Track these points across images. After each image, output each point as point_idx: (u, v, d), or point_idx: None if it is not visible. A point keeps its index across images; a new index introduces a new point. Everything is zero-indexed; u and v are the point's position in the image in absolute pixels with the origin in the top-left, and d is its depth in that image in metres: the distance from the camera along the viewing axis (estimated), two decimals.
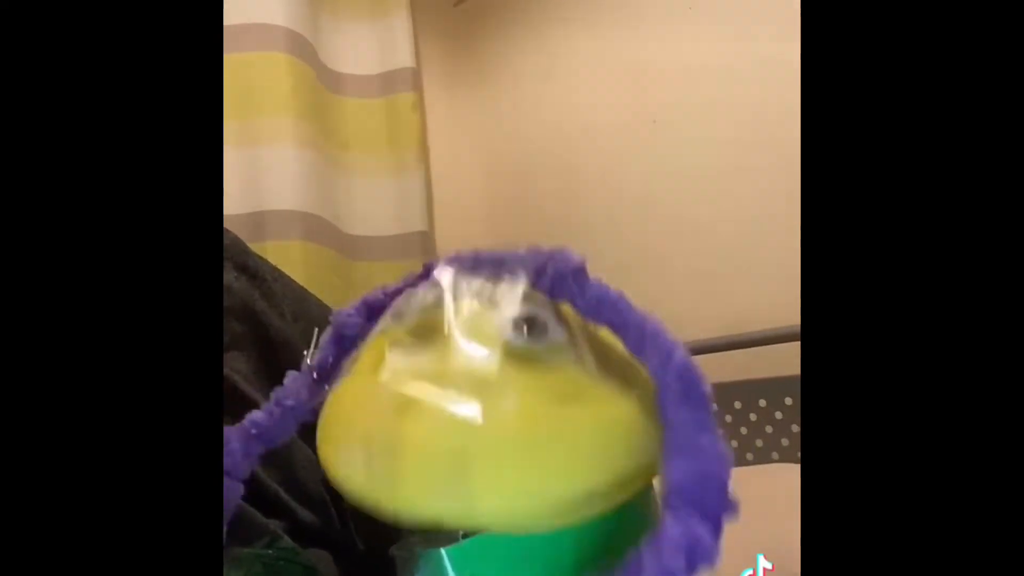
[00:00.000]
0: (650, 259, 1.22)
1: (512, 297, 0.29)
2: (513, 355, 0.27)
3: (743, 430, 1.06)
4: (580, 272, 0.28)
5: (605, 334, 0.29)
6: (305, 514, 0.42)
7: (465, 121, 1.56)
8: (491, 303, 0.29)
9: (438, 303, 0.30)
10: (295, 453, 0.43)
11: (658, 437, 0.25)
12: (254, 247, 0.54)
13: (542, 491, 0.25)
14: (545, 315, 0.29)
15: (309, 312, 0.53)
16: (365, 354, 0.31)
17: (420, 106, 1.42)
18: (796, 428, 1.01)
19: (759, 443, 1.05)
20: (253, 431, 0.31)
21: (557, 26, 1.39)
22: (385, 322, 0.31)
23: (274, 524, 0.39)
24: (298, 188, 1.18)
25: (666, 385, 0.25)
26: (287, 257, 1.12)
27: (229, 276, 0.48)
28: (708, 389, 0.24)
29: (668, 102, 1.22)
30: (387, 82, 1.38)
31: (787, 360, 0.98)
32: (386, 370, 0.28)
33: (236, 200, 1.14)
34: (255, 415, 0.32)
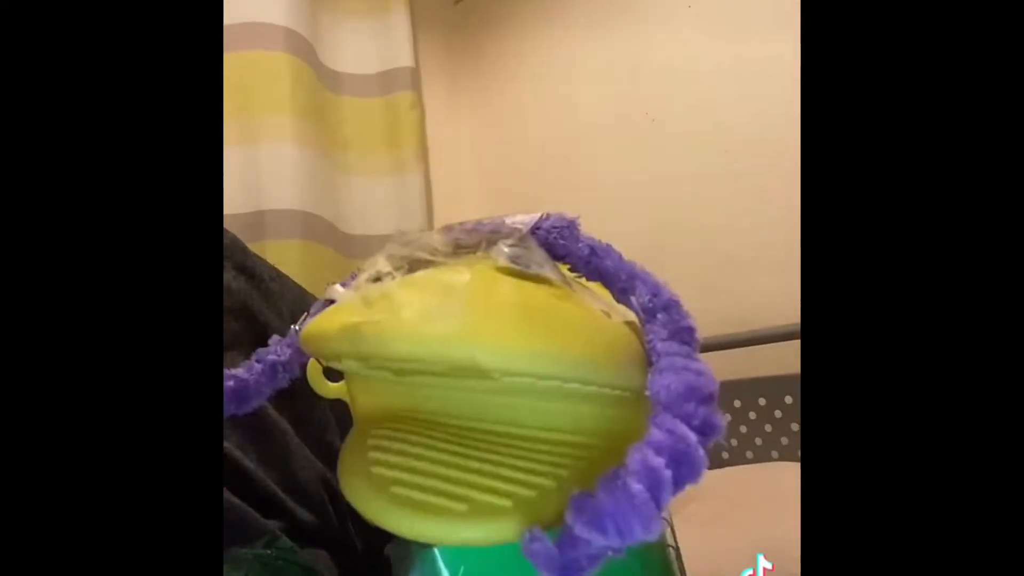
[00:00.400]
0: (649, 258, 1.21)
1: (508, 241, 0.30)
2: (507, 272, 0.28)
3: (743, 428, 1.06)
4: (574, 224, 0.30)
5: (597, 290, 0.30)
6: (303, 514, 0.42)
7: (464, 120, 1.56)
8: (489, 246, 0.30)
9: (436, 244, 0.30)
10: (293, 453, 0.43)
11: (643, 363, 0.26)
12: (253, 246, 0.54)
13: (534, 346, 0.25)
14: (539, 256, 0.29)
15: (307, 312, 0.53)
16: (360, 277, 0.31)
17: (419, 105, 1.42)
18: (796, 427, 1.01)
19: (759, 441, 1.05)
20: (231, 383, 0.31)
21: (556, 25, 1.39)
22: (380, 258, 0.31)
23: (272, 524, 0.39)
24: (297, 187, 1.18)
25: (653, 316, 0.26)
26: (286, 256, 1.12)
27: (228, 276, 0.48)
28: (693, 323, 0.25)
29: (667, 101, 1.22)
30: (386, 81, 1.38)
31: (787, 359, 0.98)
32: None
33: (235, 199, 1.14)
34: (235, 370, 0.32)
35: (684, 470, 0.20)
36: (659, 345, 0.25)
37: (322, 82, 1.30)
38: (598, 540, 0.20)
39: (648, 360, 0.25)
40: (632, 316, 0.28)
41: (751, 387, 1.05)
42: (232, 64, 1.15)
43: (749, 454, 1.05)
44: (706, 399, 0.22)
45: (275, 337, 0.33)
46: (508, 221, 0.30)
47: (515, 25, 1.47)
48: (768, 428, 1.04)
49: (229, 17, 1.17)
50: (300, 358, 0.33)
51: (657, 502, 0.20)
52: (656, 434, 0.21)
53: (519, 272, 0.28)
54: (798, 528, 0.22)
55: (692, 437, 0.21)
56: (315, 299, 0.56)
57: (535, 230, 0.30)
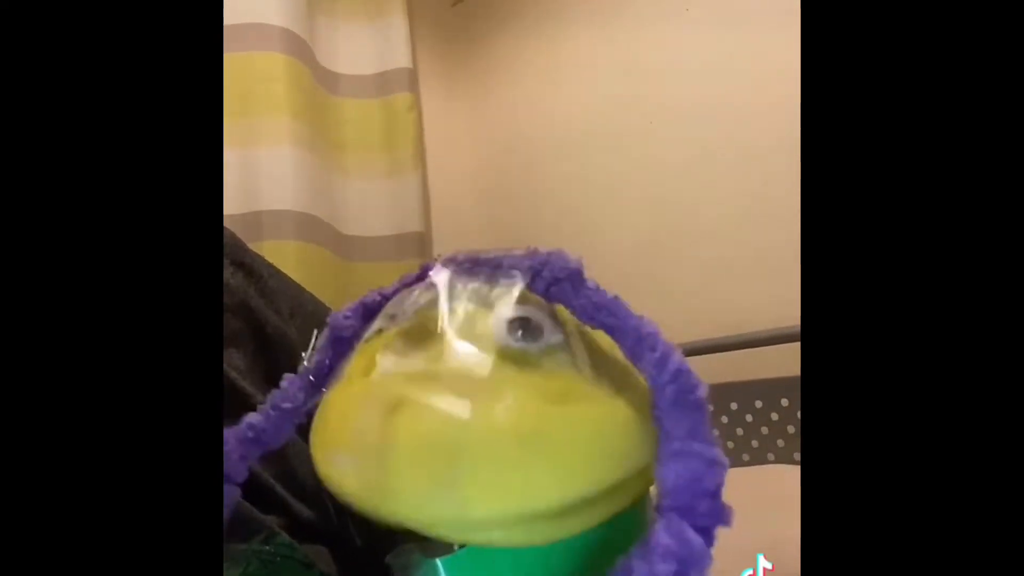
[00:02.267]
0: (647, 259, 1.22)
1: (508, 299, 0.28)
2: (507, 356, 0.27)
3: (739, 431, 1.06)
4: (577, 275, 0.28)
5: (602, 337, 0.28)
6: (302, 509, 0.42)
7: (461, 121, 1.56)
8: (486, 305, 0.29)
9: (433, 304, 0.29)
10: (291, 448, 0.43)
11: (653, 442, 0.25)
12: (251, 247, 0.54)
13: (534, 490, 0.25)
14: (541, 317, 0.28)
15: (305, 309, 0.53)
16: (357, 358, 0.30)
17: (416, 106, 1.42)
18: (792, 429, 1.02)
19: (755, 444, 1.05)
20: (250, 434, 0.31)
21: (554, 26, 1.39)
22: (379, 324, 0.31)
23: (271, 520, 0.39)
24: (294, 188, 1.18)
25: (661, 389, 0.25)
26: (283, 257, 1.12)
27: (226, 272, 0.48)
28: (704, 394, 0.24)
29: (665, 102, 1.22)
30: (384, 82, 1.38)
31: (783, 361, 0.98)
32: (377, 373, 0.28)
33: (232, 200, 1.14)
34: (252, 418, 0.31)
35: (691, 571, 0.21)
36: (666, 423, 0.24)
37: (320, 83, 1.30)
38: None
39: (654, 425, 0.25)
40: (638, 378, 0.27)
41: (747, 390, 1.06)
42: (230, 65, 1.15)
43: (745, 456, 1.05)
44: (713, 492, 0.22)
45: (287, 377, 0.33)
46: (506, 264, 0.30)
47: (513, 26, 1.47)
48: (764, 431, 1.04)
49: (227, 18, 1.17)
50: (313, 397, 0.33)
51: None
52: (663, 539, 0.21)
53: (520, 357, 0.27)
54: (796, 529, 0.22)
55: (698, 543, 0.21)
56: (312, 297, 0.57)
57: (534, 279, 0.29)
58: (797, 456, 0.99)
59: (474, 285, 0.30)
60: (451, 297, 0.29)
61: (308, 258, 1.17)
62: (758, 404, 1.05)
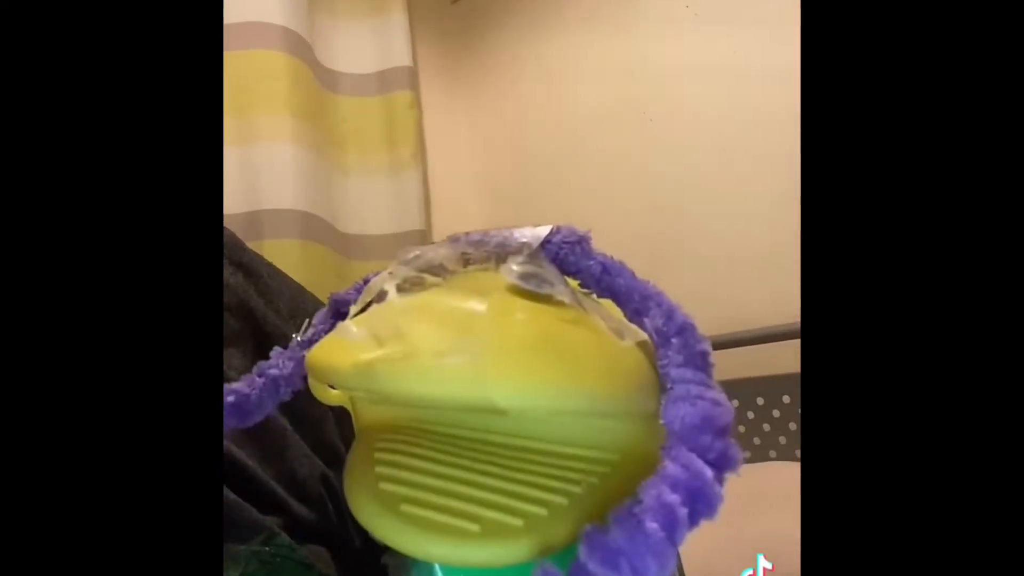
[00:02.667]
0: (648, 256, 1.22)
1: (518, 258, 0.29)
2: (518, 292, 0.27)
3: (740, 428, 1.06)
4: (586, 240, 0.29)
5: (607, 306, 0.29)
6: (301, 510, 0.42)
7: (462, 119, 1.55)
8: (497, 263, 0.29)
9: (443, 261, 0.29)
10: (291, 449, 0.43)
11: (657, 390, 0.25)
12: (251, 246, 0.54)
13: (550, 382, 0.24)
14: (551, 275, 0.28)
15: (305, 308, 0.53)
16: (363, 298, 0.30)
17: (417, 104, 1.42)
18: (794, 426, 1.01)
19: (757, 441, 1.05)
20: (230, 398, 0.30)
21: (554, 24, 1.39)
22: (383, 277, 0.30)
23: (271, 520, 0.39)
24: (295, 187, 1.18)
25: (667, 341, 0.25)
26: (284, 256, 1.12)
27: (225, 272, 0.48)
28: (708, 347, 0.25)
29: (665, 101, 1.22)
30: (384, 80, 1.38)
31: (784, 358, 0.98)
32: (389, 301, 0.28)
33: (233, 199, 1.14)
34: (234, 385, 0.31)
35: (700, 506, 0.20)
36: (673, 371, 0.24)
37: (320, 81, 1.30)
38: None
39: (662, 385, 0.25)
40: (644, 336, 0.27)
41: (749, 387, 1.05)
42: (230, 63, 1.15)
43: (747, 453, 1.05)
44: (722, 431, 0.22)
45: (276, 349, 0.32)
46: (516, 235, 0.29)
47: (513, 24, 1.47)
48: (766, 428, 1.04)
49: (226, 16, 1.16)
50: (302, 370, 0.32)
51: (672, 540, 0.19)
52: (671, 468, 0.20)
53: (531, 294, 0.27)
54: (797, 528, 0.22)
55: (708, 473, 0.20)
56: (312, 297, 0.56)
57: (545, 245, 0.29)
58: (799, 453, 0.99)
59: (485, 250, 0.29)
60: (462, 255, 0.29)
61: (309, 257, 1.17)
62: (760, 401, 1.05)
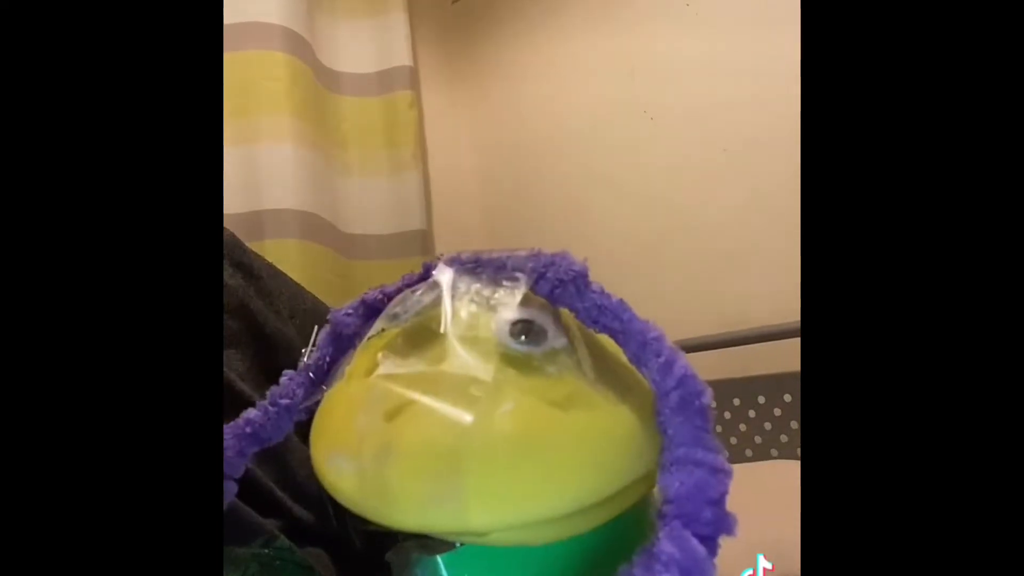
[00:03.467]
0: (648, 256, 1.22)
1: (511, 301, 0.28)
2: (510, 360, 0.27)
3: (742, 427, 1.06)
4: (581, 277, 0.27)
5: (606, 340, 0.28)
6: (301, 512, 0.42)
7: (462, 119, 1.55)
8: (489, 307, 0.28)
9: (435, 304, 0.29)
10: (291, 451, 0.43)
11: (656, 448, 0.25)
12: (252, 246, 0.54)
13: (534, 499, 0.24)
14: (544, 320, 0.28)
15: (305, 309, 0.53)
16: (358, 358, 0.30)
17: (417, 104, 1.42)
18: (795, 424, 1.01)
19: (758, 440, 1.05)
20: (248, 429, 0.31)
21: (554, 23, 1.39)
22: (381, 323, 0.31)
23: (270, 523, 0.38)
24: (296, 187, 1.18)
25: (665, 395, 0.24)
26: (285, 256, 1.12)
27: (224, 273, 0.48)
28: (708, 400, 0.24)
29: (665, 99, 1.22)
30: (384, 80, 1.38)
31: (786, 356, 0.98)
32: (378, 374, 0.28)
33: (233, 199, 1.14)
34: (250, 413, 0.31)
35: None
36: (671, 431, 0.24)
37: (320, 81, 1.30)
38: None
39: (662, 439, 0.25)
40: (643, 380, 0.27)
41: (750, 385, 1.05)
42: (230, 64, 1.15)
43: (748, 452, 1.05)
44: (717, 501, 0.22)
45: (286, 373, 0.33)
46: (510, 264, 0.29)
47: (513, 23, 1.47)
48: (767, 426, 1.04)
49: (227, 17, 1.16)
50: (313, 394, 0.32)
51: None
52: (666, 546, 0.21)
53: (522, 361, 0.27)
54: (798, 527, 0.22)
55: (701, 552, 0.21)
56: (312, 297, 0.56)
57: (540, 279, 0.28)
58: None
59: (477, 286, 0.29)
60: (454, 297, 0.29)
61: (310, 257, 1.17)
62: (761, 400, 1.05)
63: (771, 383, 1.03)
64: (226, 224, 0.46)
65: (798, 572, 0.22)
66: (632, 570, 0.21)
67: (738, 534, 0.22)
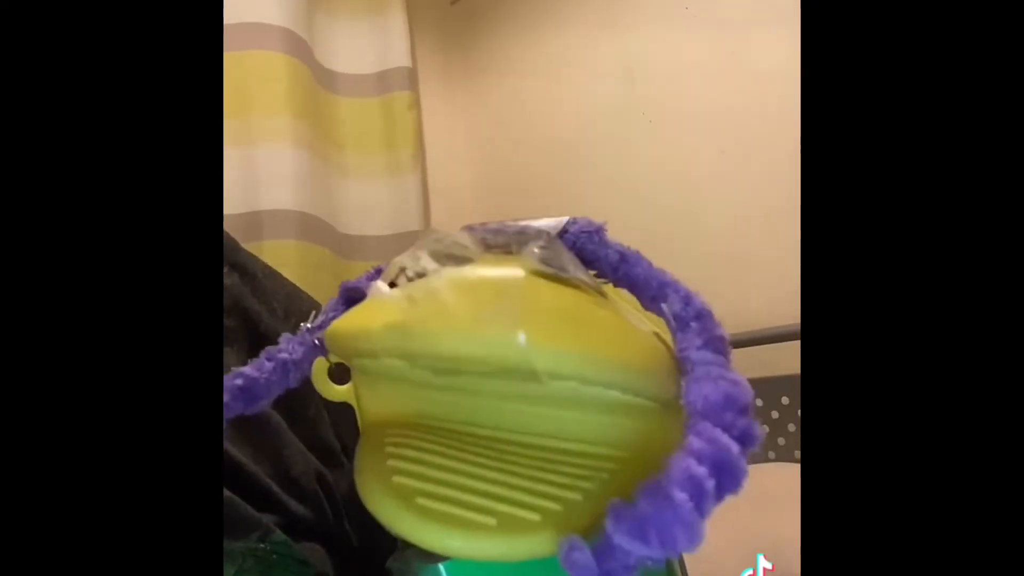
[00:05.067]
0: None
1: (538, 242, 0.29)
2: (542, 274, 0.27)
3: None
4: (601, 230, 0.30)
5: (623, 297, 0.29)
6: (298, 508, 0.42)
7: (461, 120, 1.55)
8: (518, 247, 0.29)
9: (461, 247, 0.29)
10: (287, 447, 0.43)
11: (676, 380, 0.25)
12: (250, 247, 0.54)
13: (583, 345, 0.24)
14: (570, 261, 0.28)
15: (301, 309, 0.53)
16: (388, 273, 0.30)
17: (416, 105, 1.42)
18: (793, 427, 1.01)
19: None
20: (238, 381, 0.29)
21: (553, 25, 1.39)
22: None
23: (266, 518, 0.38)
24: (294, 187, 1.18)
25: (686, 325, 0.25)
26: (283, 257, 1.12)
27: None
28: (725, 334, 0.25)
29: (664, 101, 1.22)
30: (383, 81, 1.38)
31: (783, 360, 0.98)
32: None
33: (232, 199, 1.14)
34: (243, 368, 0.30)
35: (726, 480, 0.20)
36: (693, 354, 0.24)
37: (319, 82, 1.30)
38: (639, 550, 0.19)
39: (681, 370, 0.25)
40: (658, 327, 0.27)
41: None
42: (228, 64, 1.14)
43: None
44: (744, 409, 0.22)
45: (286, 335, 0.32)
46: (534, 224, 0.29)
47: (512, 25, 1.47)
48: (765, 429, 1.04)
49: (226, 17, 1.16)
50: (311, 356, 0.31)
51: (700, 511, 0.19)
52: (697, 443, 0.20)
53: (554, 276, 0.27)
54: (797, 528, 0.22)
55: (735, 447, 0.20)
56: (308, 297, 0.56)
57: (563, 234, 0.29)
58: (798, 454, 0.99)
59: (503, 239, 0.29)
60: (479, 245, 0.29)
61: (308, 258, 1.17)
62: (759, 402, 1.05)
63: (768, 386, 1.03)
64: (224, 225, 0.46)
65: (798, 572, 0.22)
66: (666, 469, 0.20)
67: (735, 537, 0.22)
